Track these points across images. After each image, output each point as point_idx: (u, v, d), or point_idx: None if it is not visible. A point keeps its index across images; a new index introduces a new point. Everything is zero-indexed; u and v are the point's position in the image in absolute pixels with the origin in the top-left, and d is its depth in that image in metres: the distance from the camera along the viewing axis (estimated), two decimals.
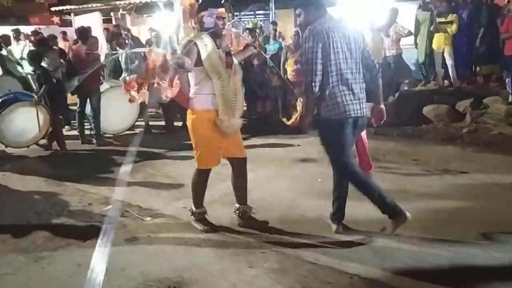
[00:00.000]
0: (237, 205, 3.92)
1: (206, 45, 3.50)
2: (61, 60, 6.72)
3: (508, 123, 6.75)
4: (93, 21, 14.21)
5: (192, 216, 3.87)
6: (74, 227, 3.99)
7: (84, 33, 7.08)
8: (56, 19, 21.70)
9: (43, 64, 6.73)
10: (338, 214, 3.71)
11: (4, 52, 8.95)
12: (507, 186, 4.64)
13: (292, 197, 4.56)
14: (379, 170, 5.31)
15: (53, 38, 9.16)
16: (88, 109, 7.11)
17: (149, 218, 4.12)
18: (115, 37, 8.19)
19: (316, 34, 3.32)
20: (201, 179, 3.81)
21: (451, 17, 7.72)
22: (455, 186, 4.70)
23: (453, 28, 7.69)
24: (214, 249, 3.47)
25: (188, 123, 3.69)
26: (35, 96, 6.50)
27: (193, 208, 3.86)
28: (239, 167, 3.84)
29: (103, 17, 15.30)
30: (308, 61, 3.33)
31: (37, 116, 6.47)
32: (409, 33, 7.98)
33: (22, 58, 9.09)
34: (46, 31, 13.47)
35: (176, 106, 8.03)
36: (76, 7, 15.73)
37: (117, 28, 11.48)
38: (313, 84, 3.31)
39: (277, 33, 9.21)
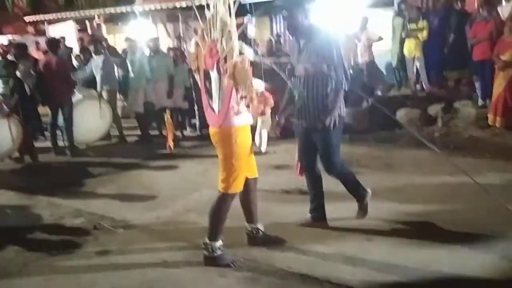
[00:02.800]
0: (250, 225, 3.59)
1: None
2: (31, 71, 6.62)
3: (478, 126, 6.90)
4: (67, 30, 14.10)
5: (206, 252, 3.30)
6: (44, 241, 3.93)
7: (54, 44, 6.99)
8: (31, 28, 21.40)
9: (17, 73, 6.63)
10: (318, 211, 3.93)
11: None
12: (476, 188, 4.73)
13: (266, 205, 4.55)
14: None
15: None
16: (60, 119, 7.02)
17: (121, 230, 4.09)
18: (94, 43, 8.11)
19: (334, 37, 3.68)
20: (228, 206, 3.30)
21: (422, 23, 7.90)
22: (426, 190, 4.79)
23: (424, 35, 7.87)
24: (186, 259, 3.45)
25: (235, 141, 3.16)
26: (6, 108, 6.39)
27: (210, 242, 3.28)
28: (254, 186, 3.50)
29: (78, 26, 15.18)
30: (338, 58, 3.52)
31: (9, 128, 6.35)
32: (380, 39, 8.13)
33: None
34: (20, 40, 13.31)
35: (151, 115, 8.07)
36: (50, 16, 15.54)
37: (92, 37, 11.40)
38: (345, 81, 3.55)
39: (253, 40, 9.23)
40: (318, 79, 3.55)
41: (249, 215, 3.57)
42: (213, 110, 3.25)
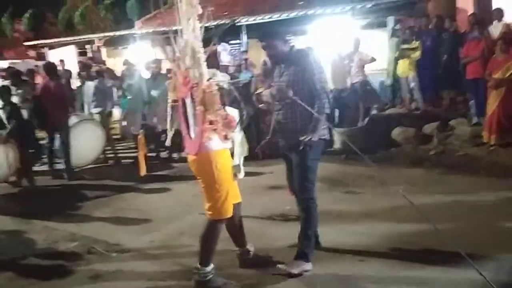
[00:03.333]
0: (240, 249, 3.62)
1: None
2: (28, 96, 6.69)
3: (473, 144, 6.94)
4: (68, 54, 14.29)
5: (198, 276, 3.28)
6: (37, 267, 3.93)
7: (52, 69, 7.08)
8: (32, 52, 21.66)
9: (14, 98, 6.70)
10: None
11: None
12: (470, 207, 4.74)
13: (260, 226, 4.57)
14: (347, 194, 5.40)
15: (30, 72, 9.18)
16: (57, 143, 7.07)
17: (115, 254, 4.08)
18: (86, 68, 8.26)
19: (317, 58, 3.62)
20: (219, 232, 3.30)
21: (415, 43, 8.01)
22: (420, 209, 4.77)
23: (417, 54, 7.97)
24: (177, 282, 3.45)
25: (216, 166, 3.15)
26: (3, 133, 6.43)
27: (202, 267, 3.27)
28: (238, 210, 3.51)
29: (79, 50, 15.38)
30: (320, 80, 3.50)
31: (6, 153, 6.38)
32: (373, 60, 8.22)
33: None
34: (21, 65, 13.48)
35: (151, 137, 8.10)
36: (50, 41, 15.75)
37: (91, 60, 11.56)
38: (327, 102, 3.51)
39: (248, 62, 9.32)
40: (295, 102, 3.51)
41: (237, 239, 3.58)
42: (191, 138, 3.25)
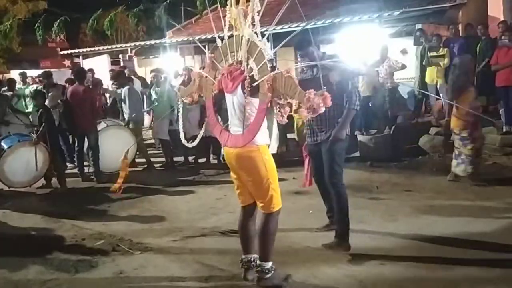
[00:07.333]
0: (252, 256, 3.41)
1: None
2: (59, 100, 6.89)
3: (503, 153, 6.78)
4: (101, 63, 14.75)
5: (260, 274, 3.28)
6: (64, 262, 4.05)
7: (80, 74, 7.33)
8: (67, 62, 22.42)
9: (47, 102, 6.96)
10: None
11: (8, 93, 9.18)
12: (496, 215, 4.65)
13: (282, 229, 4.55)
14: (371, 200, 5.36)
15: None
16: (86, 147, 7.28)
17: (139, 252, 4.18)
18: (118, 76, 8.51)
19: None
20: (277, 223, 3.31)
21: (443, 51, 7.91)
22: (444, 215, 4.71)
23: (445, 62, 7.86)
24: (198, 282, 3.50)
25: (266, 159, 3.18)
26: (34, 136, 6.68)
27: (263, 263, 3.26)
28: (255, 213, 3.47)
29: (112, 59, 15.85)
30: (352, 82, 3.95)
31: (35, 155, 6.62)
32: (403, 67, 8.15)
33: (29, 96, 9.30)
34: (57, 74, 13.97)
35: (179, 143, 8.23)
36: (84, 50, 16.27)
37: (123, 68, 11.85)
38: (358, 100, 3.93)
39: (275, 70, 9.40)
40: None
41: (252, 243, 3.42)
42: (228, 131, 3.29)
